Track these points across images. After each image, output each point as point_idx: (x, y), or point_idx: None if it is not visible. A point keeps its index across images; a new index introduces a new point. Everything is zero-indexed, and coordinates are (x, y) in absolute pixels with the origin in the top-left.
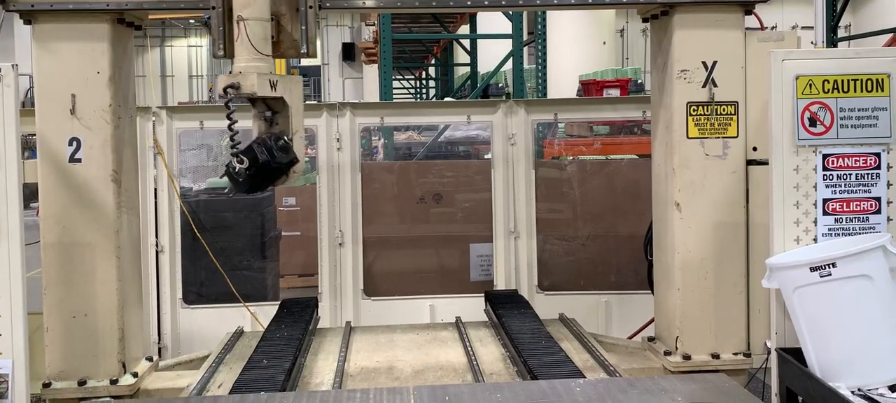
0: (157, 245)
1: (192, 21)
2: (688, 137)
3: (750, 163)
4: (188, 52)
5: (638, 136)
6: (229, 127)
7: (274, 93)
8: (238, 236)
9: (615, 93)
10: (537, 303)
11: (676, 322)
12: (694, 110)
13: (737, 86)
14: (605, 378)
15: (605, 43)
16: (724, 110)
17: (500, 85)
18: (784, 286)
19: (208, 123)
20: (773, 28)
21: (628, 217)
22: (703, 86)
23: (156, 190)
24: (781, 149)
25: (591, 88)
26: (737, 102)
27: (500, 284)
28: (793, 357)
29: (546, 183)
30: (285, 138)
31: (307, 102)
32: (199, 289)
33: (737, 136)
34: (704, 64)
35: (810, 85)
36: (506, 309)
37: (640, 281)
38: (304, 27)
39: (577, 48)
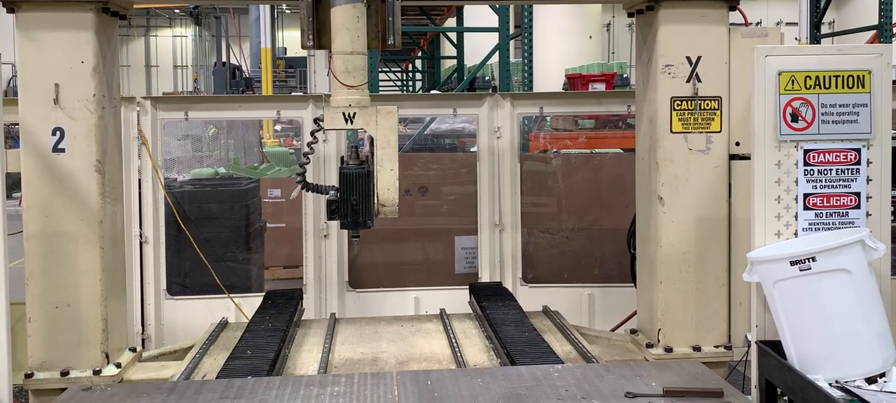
0: (141, 236)
1: (177, 11)
2: (671, 132)
3: (733, 157)
4: (173, 42)
5: (622, 130)
6: (305, 155)
7: (349, 126)
8: (223, 227)
9: (600, 87)
10: (521, 296)
11: (659, 314)
12: (678, 105)
13: (720, 81)
14: (582, 364)
15: (591, 37)
16: (707, 105)
17: (487, 78)
18: (764, 279)
19: (193, 114)
20: (757, 24)
21: (612, 210)
22: (688, 81)
23: (140, 180)
24: (763, 144)
25: (576, 82)
26: (720, 97)
27: (485, 277)
28: (772, 349)
29: (531, 176)
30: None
31: (293, 94)
32: (183, 280)
33: (720, 131)
34: (689, 59)
35: (793, 81)
36: (490, 301)
37: (623, 274)
38: (390, 19)
39: (563, 42)
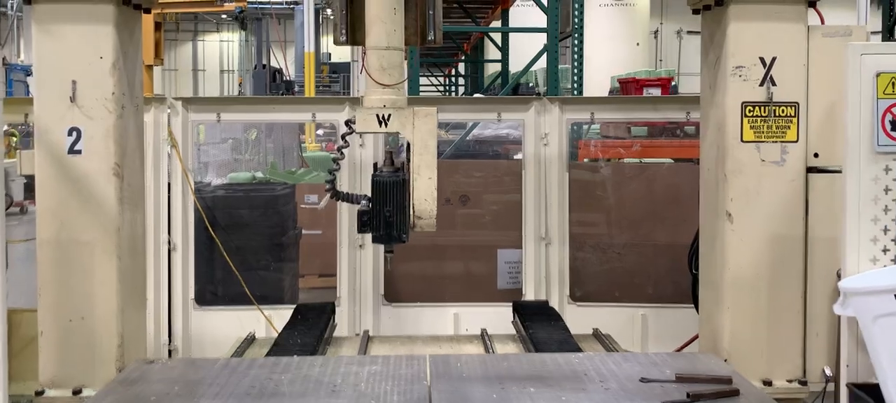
0: (169, 242)
1: (224, 15)
2: (742, 141)
3: (810, 170)
4: (220, 47)
5: (680, 139)
6: (334, 160)
7: (383, 129)
8: (254, 234)
9: (656, 92)
10: (569, 315)
11: (724, 343)
12: (749, 111)
13: (798, 85)
14: (603, 353)
15: (638, 44)
16: (783, 112)
17: (531, 84)
18: (861, 314)
19: (225, 116)
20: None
21: (667, 225)
22: (761, 84)
23: (169, 184)
24: (858, 157)
25: (629, 87)
26: (798, 103)
27: (530, 293)
28: (868, 394)
29: (580, 186)
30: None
31: (332, 96)
32: (213, 290)
33: (797, 141)
34: (762, 60)
35: (893, 84)
36: (535, 321)
37: (679, 293)
38: (431, 12)
39: (609, 49)
